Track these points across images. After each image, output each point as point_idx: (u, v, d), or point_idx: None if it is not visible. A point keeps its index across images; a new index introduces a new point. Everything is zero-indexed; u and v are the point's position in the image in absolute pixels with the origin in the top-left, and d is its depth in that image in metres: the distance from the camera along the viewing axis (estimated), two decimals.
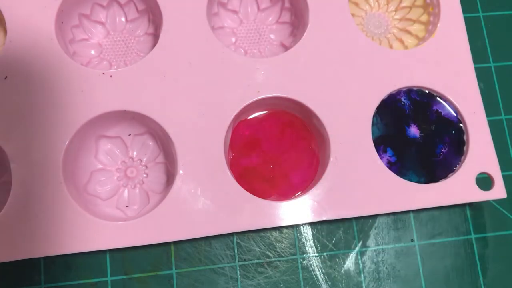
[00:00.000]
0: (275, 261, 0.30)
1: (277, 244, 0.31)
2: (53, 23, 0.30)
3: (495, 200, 0.33)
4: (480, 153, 0.31)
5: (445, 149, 0.31)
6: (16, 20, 0.30)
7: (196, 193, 0.28)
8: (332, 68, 0.31)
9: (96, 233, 0.27)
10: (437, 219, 0.32)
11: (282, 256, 0.31)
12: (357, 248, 0.31)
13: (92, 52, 0.33)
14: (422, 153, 0.31)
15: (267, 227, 0.28)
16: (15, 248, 0.27)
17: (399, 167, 0.31)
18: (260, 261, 0.30)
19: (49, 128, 0.28)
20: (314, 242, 0.31)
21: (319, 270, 0.31)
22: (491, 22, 0.37)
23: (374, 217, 0.32)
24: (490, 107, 0.34)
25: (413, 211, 0.32)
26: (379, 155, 0.30)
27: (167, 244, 0.30)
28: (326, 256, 0.31)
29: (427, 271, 0.31)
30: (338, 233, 0.31)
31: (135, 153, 0.31)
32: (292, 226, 0.31)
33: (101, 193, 0.30)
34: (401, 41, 0.35)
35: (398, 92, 0.32)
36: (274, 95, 0.30)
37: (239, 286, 0.30)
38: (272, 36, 0.35)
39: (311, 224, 0.31)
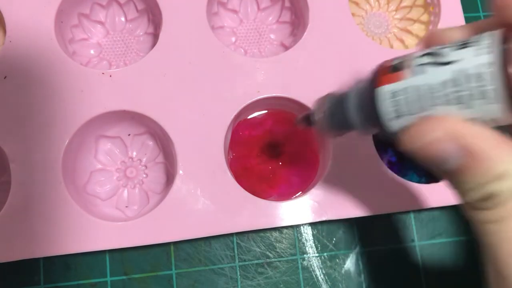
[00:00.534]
0: (275, 261, 0.30)
1: (277, 244, 0.31)
2: (52, 23, 0.30)
3: None
4: None
5: None
6: (16, 20, 0.30)
7: (196, 193, 0.28)
8: (332, 68, 0.31)
9: (96, 233, 0.27)
10: (438, 219, 0.32)
11: (282, 257, 0.31)
12: (357, 249, 0.31)
13: (92, 51, 0.33)
14: None
15: (267, 227, 0.28)
16: (15, 248, 0.27)
17: (400, 167, 0.30)
18: (260, 261, 0.30)
19: (49, 128, 0.28)
20: (314, 242, 0.31)
21: (319, 271, 0.31)
22: None
23: (374, 217, 0.32)
24: None
25: (414, 211, 0.32)
26: (380, 155, 0.30)
27: (167, 244, 0.30)
28: (326, 256, 0.31)
29: (427, 271, 0.31)
30: (338, 233, 0.31)
31: (134, 153, 0.31)
32: (292, 226, 0.31)
33: (100, 193, 0.30)
34: (402, 41, 0.35)
35: None
36: (274, 95, 0.30)
37: (239, 286, 0.30)
38: (272, 36, 0.35)
39: (311, 224, 0.31)
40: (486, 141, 0.16)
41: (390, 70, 0.18)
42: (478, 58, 0.15)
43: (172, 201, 0.28)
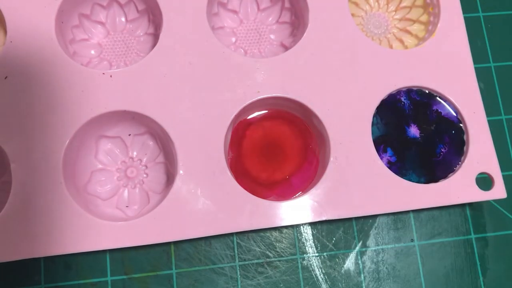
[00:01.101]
0: (275, 261, 0.30)
1: (277, 244, 0.31)
2: (53, 23, 0.30)
3: (495, 200, 0.33)
4: (480, 153, 0.31)
5: (445, 149, 0.31)
6: (16, 20, 0.30)
7: (196, 193, 0.28)
8: (332, 68, 0.31)
9: (96, 233, 0.27)
10: (437, 219, 0.32)
11: (282, 256, 0.31)
12: (357, 248, 0.31)
13: (92, 52, 0.33)
14: (422, 153, 0.31)
15: (267, 227, 0.28)
16: (15, 248, 0.27)
17: (399, 167, 0.31)
18: (260, 261, 0.30)
19: (49, 128, 0.28)
20: (314, 242, 0.31)
21: (319, 270, 0.31)
22: (491, 22, 0.37)
23: (374, 217, 0.32)
24: (490, 107, 0.34)
25: (413, 211, 0.32)
26: (379, 155, 0.30)
27: (167, 244, 0.30)
28: (326, 256, 0.31)
29: (427, 271, 0.31)
30: (338, 233, 0.31)
31: (135, 153, 0.32)
32: (292, 226, 0.31)
33: (101, 193, 0.30)
34: (401, 41, 0.35)
35: (398, 92, 0.32)
36: (274, 95, 0.30)
37: (239, 286, 0.30)
38: (272, 36, 0.35)
39: (311, 224, 0.31)
40: None
41: None
42: None
43: (172, 201, 0.28)
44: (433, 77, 0.32)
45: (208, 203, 0.28)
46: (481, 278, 0.31)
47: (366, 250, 0.31)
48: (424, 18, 0.35)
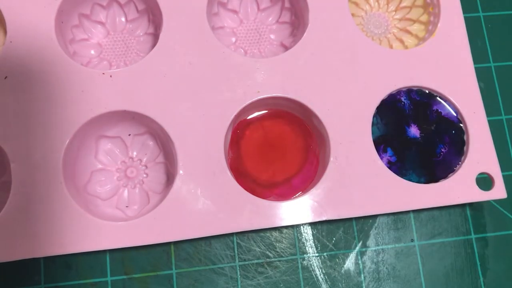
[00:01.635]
0: (275, 261, 0.30)
1: (277, 244, 0.31)
2: (53, 23, 0.30)
3: (495, 200, 0.33)
4: (480, 153, 0.30)
5: (445, 149, 0.31)
6: (16, 20, 0.30)
7: (196, 193, 0.28)
8: (332, 68, 0.31)
9: (96, 233, 0.27)
10: (437, 219, 0.32)
11: (282, 256, 0.31)
12: (357, 248, 0.31)
13: (92, 52, 0.33)
14: (422, 153, 0.31)
15: (267, 227, 0.28)
16: (15, 248, 0.27)
17: (399, 167, 0.31)
18: (260, 261, 0.30)
19: (49, 128, 0.28)
20: (314, 242, 0.31)
21: (319, 270, 0.31)
22: (491, 22, 0.37)
23: (374, 217, 0.32)
24: (490, 107, 0.34)
25: (413, 211, 0.32)
26: (379, 155, 0.30)
27: (167, 244, 0.30)
28: (326, 256, 0.31)
29: (427, 271, 0.31)
30: (338, 233, 0.31)
31: (135, 153, 0.32)
32: (292, 226, 0.31)
33: (101, 193, 0.30)
34: (401, 41, 0.35)
35: (398, 92, 0.32)
36: (274, 95, 0.30)
37: (239, 286, 0.30)
38: (272, 36, 0.35)
39: (311, 224, 0.31)
40: None
41: None
42: None
43: (172, 201, 0.28)
44: (433, 77, 0.32)
45: (208, 203, 0.28)
46: (481, 278, 0.31)
47: (366, 250, 0.31)
48: (424, 18, 0.35)
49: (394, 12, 0.36)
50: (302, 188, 0.31)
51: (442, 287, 0.31)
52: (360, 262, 0.31)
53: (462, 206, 0.33)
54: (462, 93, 0.32)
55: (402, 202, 0.29)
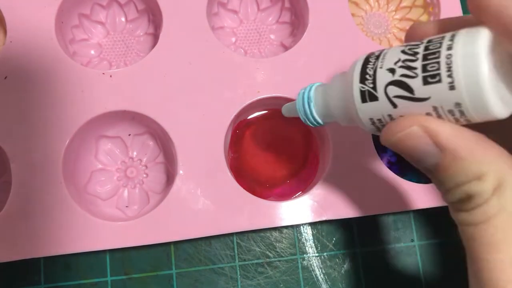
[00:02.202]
0: (275, 261, 0.30)
1: (277, 244, 0.31)
2: (53, 23, 0.30)
3: None
4: None
5: None
6: (16, 20, 0.30)
7: (196, 193, 0.28)
8: (332, 68, 0.31)
9: (96, 233, 0.27)
10: (437, 219, 0.32)
11: (282, 256, 0.31)
12: (357, 249, 0.31)
13: (92, 52, 0.33)
14: None
15: (267, 227, 0.28)
16: (15, 248, 0.27)
17: (400, 167, 0.30)
18: (260, 261, 0.30)
19: (49, 128, 0.28)
20: (314, 242, 0.31)
21: (319, 270, 0.31)
22: None
23: (374, 217, 0.32)
24: None
25: (413, 211, 0.32)
26: (379, 155, 0.30)
27: (167, 244, 0.30)
28: (326, 256, 0.31)
29: (427, 271, 0.31)
30: (338, 233, 0.31)
31: (135, 153, 0.31)
32: (292, 226, 0.31)
33: (101, 193, 0.30)
34: (401, 41, 0.35)
35: None
36: (274, 95, 0.30)
37: (239, 286, 0.30)
38: (272, 36, 0.35)
39: (311, 224, 0.31)
40: (462, 140, 0.15)
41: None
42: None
43: (172, 201, 0.28)
44: None
45: (208, 203, 0.28)
46: None
47: (366, 250, 0.31)
48: (424, 18, 0.35)
49: (394, 12, 0.36)
50: (302, 188, 0.30)
51: (442, 287, 0.31)
52: (360, 262, 0.31)
53: None
54: None
55: (402, 202, 0.29)
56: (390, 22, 0.36)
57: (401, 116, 0.17)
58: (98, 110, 0.29)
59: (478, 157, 0.15)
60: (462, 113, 0.15)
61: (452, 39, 0.15)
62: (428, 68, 0.15)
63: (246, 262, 0.30)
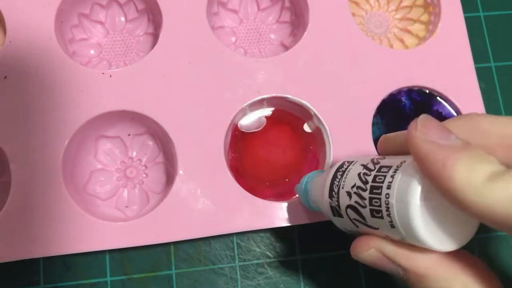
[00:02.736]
0: (275, 261, 0.30)
1: (277, 244, 0.31)
2: (52, 23, 0.30)
3: None
4: None
5: None
6: (16, 19, 0.30)
7: (196, 193, 0.28)
8: (332, 68, 0.31)
9: (96, 234, 0.27)
10: None
11: (282, 257, 0.31)
12: None
13: (92, 51, 0.33)
14: None
15: (267, 227, 0.28)
16: (15, 248, 0.27)
17: None
18: (260, 261, 0.30)
19: (48, 128, 0.28)
20: (314, 242, 0.31)
21: (319, 271, 0.30)
22: (491, 21, 0.37)
23: None
24: (490, 107, 0.34)
25: None
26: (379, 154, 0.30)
27: (167, 244, 0.30)
28: (326, 256, 0.31)
29: None
30: (338, 233, 0.31)
31: (134, 153, 0.31)
32: (292, 227, 0.31)
33: (100, 193, 0.30)
34: (402, 41, 0.35)
35: (399, 92, 0.32)
36: (274, 95, 0.30)
37: (239, 286, 0.30)
38: (272, 36, 0.35)
39: (311, 225, 0.31)
40: (421, 262, 0.16)
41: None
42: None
43: (172, 201, 0.28)
44: (433, 77, 0.32)
45: (208, 203, 0.28)
46: None
47: None
48: (424, 17, 0.35)
49: (394, 12, 0.36)
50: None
51: None
52: (360, 262, 0.31)
53: None
54: (462, 93, 0.32)
55: None
56: (391, 22, 0.36)
57: (361, 235, 0.18)
58: (97, 110, 0.29)
59: (440, 274, 0.16)
60: (402, 239, 0.16)
61: (393, 175, 0.16)
62: (373, 202, 0.16)
63: (246, 263, 0.30)
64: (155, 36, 0.33)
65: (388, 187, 0.16)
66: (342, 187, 0.18)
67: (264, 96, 0.30)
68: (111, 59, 0.33)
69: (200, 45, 0.31)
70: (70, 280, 0.29)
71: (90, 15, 0.33)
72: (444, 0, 0.33)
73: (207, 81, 0.30)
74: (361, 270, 0.31)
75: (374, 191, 0.16)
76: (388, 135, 0.21)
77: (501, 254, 0.32)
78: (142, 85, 0.30)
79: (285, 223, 0.28)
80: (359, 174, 0.18)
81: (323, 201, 0.21)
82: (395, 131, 0.31)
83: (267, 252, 0.31)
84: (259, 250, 0.31)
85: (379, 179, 0.16)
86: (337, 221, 0.20)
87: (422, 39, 0.34)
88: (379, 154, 0.20)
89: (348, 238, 0.31)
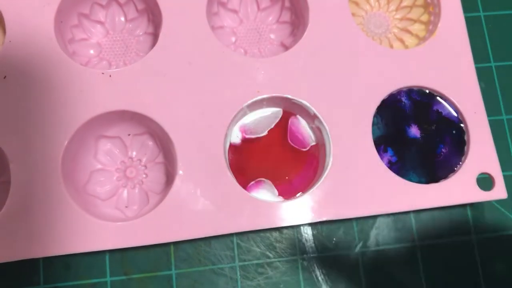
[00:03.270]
0: (275, 261, 0.30)
1: (277, 244, 0.31)
2: (52, 23, 0.30)
3: (496, 200, 0.33)
4: (481, 153, 0.30)
5: (446, 149, 0.31)
6: (16, 19, 0.30)
7: (195, 193, 0.28)
8: (332, 68, 0.31)
9: (96, 234, 0.27)
10: (438, 220, 0.32)
11: (282, 257, 0.31)
12: (357, 249, 0.31)
13: (92, 51, 0.33)
14: (422, 153, 0.31)
15: (267, 227, 0.28)
16: (15, 248, 0.27)
17: (400, 167, 0.30)
18: (260, 261, 0.30)
19: (48, 128, 0.28)
20: (314, 242, 0.31)
21: (319, 271, 0.30)
22: (492, 21, 0.37)
23: (374, 217, 0.32)
24: (491, 107, 0.34)
25: (413, 211, 0.32)
26: (380, 155, 0.30)
27: (167, 244, 0.30)
28: (326, 256, 0.31)
29: (428, 271, 0.31)
30: (338, 233, 0.31)
31: (134, 153, 0.31)
32: (292, 227, 0.31)
33: (100, 193, 0.30)
34: (402, 41, 0.35)
35: (399, 92, 0.32)
36: (274, 95, 0.30)
37: (239, 286, 0.30)
38: (272, 36, 0.35)
39: (311, 225, 0.31)
40: None
41: None
42: None
43: (172, 201, 0.28)
44: (433, 77, 0.32)
45: (207, 203, 0.28)
46: (481, 279, 0.31)
47: (366, 251, 0.31)
48: (424, 17, 0.35)
49: (394, 12, 0.36)
50: (302, 188, 0.30)
51: (442, 287, 0.31)
52: (360, 262, 0.31)
53: (463, 206, 0.33)
54: (462, 93, 0.32)
55: (402, 202, 0.29)
56: (391, 22, 0.36)
57: None
58: (97, 110, 0.29)
59: None
60: None
61: None
62: None
63: (246, 263, 0.30)
64: (155, 36, 0.33)
65: None
66: None
67: (264, 96, 0.30)
68: (111, 59, 0.33)
69: (200, 45, 0.31)
70: (70, 280, 0.29)
71: (90, 15, 0.33)
72: (444, 0, 0.33)
73: (207, 81, 0.30)
74: (362, 270, 0.31)
75: None
76: None
77: (501, 255, 0.32)
78: (142, 85, 0.30)
79: (285, 223, 0.28)
80: None
81: None
82: (395, 132, 0.31)
83: (267, 252, 0.31)
84: (259, 250, 0.31)
85: None
86: None
87: (422, 39, 0.34)
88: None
89: (346, 238, 0.31)
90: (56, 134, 0.28)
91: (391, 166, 0.30)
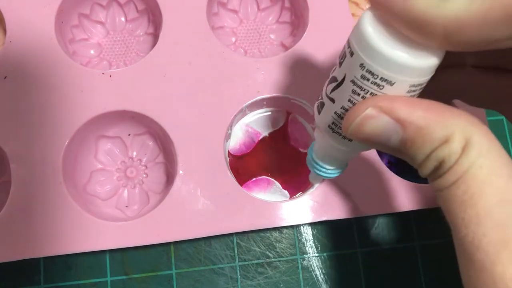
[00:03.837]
0: (275, 261, 0.30)
1: (277, 244, 0.31)
2: (52, 23, 0.30)
3: None
4: None
5: None
6: (16, 19, 0.30)
7: (196, 193, 0.28)
8: (332, 68, 0.31)
9: (96, 233, 0.27)
10: (438, 219, 0.32)
11: (282, 257, 0.31)
12: (357, 249, 0.31)
13: (92, 52, 0.33)
14: None
15: (267, 227, 0.28)
16: (15, 248, 0.27)
17: (400, 167, 0.30)
18: (260, 261, 0.30)
19: (48, 128, 0.28)
20: (314, 242, 0.31)
21: (319, 271, 0.31)
22: None
23: (374, 217, 0.32)
24: None
25: (413, 211, 0.32)
26: (380, 155, 0.30)
27: (167, 244, 0.30)
28: (326, 256, 0.31)
29: (428, 271, 0.31)
30: (338, 233, 0.31)
31: (134, 153, 0.31)
32: (292, 226, 0.31)
33: (100, 193, 0.30)
34: None
35: None
36: (274, 95, 0.30)
37: (239, 286, 0.30)
38: (272, 36, 0.35)
39: (311, 224, 0.31)
40: (419, 110, 0.15)
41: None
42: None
43: (172, 201, 0.28)
44: None
45: (208, 203, 0.28)
46: None
47: (366, 251, 0.31)
48: None
49: None
50: (302, 188, 0.30)
51: (442, 287, 0.31)
52: (360, 262, 0.31)
53: None
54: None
55: (402, 202, 0.29)
56: None
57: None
58: (97, 110, 0.29)
59: (439, 121, 0.15)
60: (371, 73, 0.16)
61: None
62: (340, 58, 0.18)
63: (246, 262, 0.30)
64: (155, 37, 0.33)
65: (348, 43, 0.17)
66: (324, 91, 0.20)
67: (264, 96, 0.30)
68: (111, 59, 0.33)
69: (200, 45, 0.31)
70: (71, 280, 0.29)
71: (90, 15, 0.33)
72: None
73: (207, 81, 0.30)
74: (362, 270, 0.31)
75: (340, 60, 0.18)
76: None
77: None
78: (142, 85, 0.30)
79: (285, 223, 0.28)
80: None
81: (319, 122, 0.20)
82: None
83: (267, 252, 0.31)
84: (259, 250, 0.31)
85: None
86: (321, 119, 0.20)
87: None
88: None
89: (346, 238, 0.31)
90: (56, 134, 0.28)
91: (391, 166, 0.30)
